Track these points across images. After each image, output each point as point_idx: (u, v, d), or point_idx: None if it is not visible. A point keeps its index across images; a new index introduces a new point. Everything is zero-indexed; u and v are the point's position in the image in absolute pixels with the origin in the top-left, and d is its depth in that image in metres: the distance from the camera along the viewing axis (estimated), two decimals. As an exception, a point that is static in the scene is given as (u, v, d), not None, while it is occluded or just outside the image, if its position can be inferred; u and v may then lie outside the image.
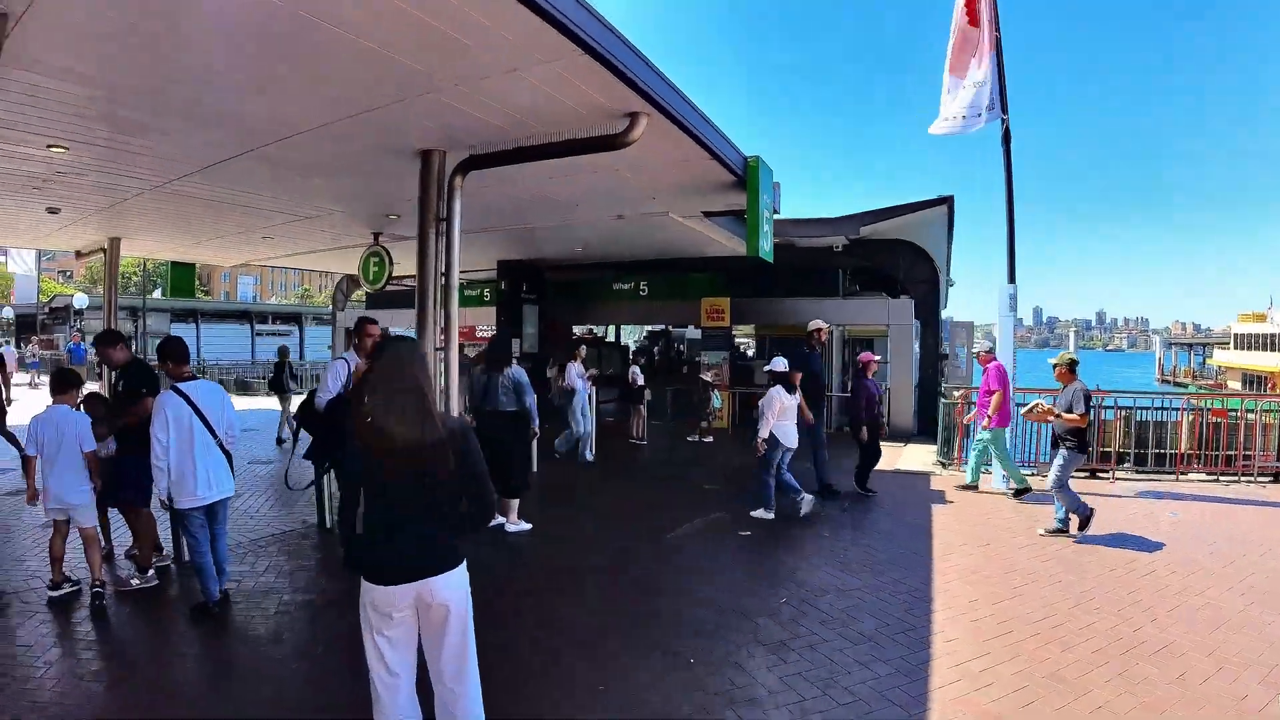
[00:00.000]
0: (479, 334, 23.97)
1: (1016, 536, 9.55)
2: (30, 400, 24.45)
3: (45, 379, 32.63)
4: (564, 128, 9.00)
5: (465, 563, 3.82)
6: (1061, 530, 9.65)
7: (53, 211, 14.52)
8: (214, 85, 7.90)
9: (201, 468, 6.47)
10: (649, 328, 32.00)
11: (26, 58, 6.95)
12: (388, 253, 15.99)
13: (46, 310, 53.55)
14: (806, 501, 10.41)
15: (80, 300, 43.37)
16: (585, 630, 6.40)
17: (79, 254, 21.31)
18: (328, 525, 9.21)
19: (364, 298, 30.68)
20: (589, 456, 14.75)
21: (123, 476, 7.32)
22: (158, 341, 7.14)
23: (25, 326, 53.18)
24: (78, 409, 7.23)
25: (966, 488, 12.40)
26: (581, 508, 10.82)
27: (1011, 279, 13.09)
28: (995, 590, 7.63)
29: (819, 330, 12.32)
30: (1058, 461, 9.72)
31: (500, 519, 9.40)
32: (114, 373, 7.80)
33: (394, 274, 16.27)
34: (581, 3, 6.57)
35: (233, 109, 8.62)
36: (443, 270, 9.94)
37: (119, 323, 20.90)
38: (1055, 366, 10.22)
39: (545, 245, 19.18)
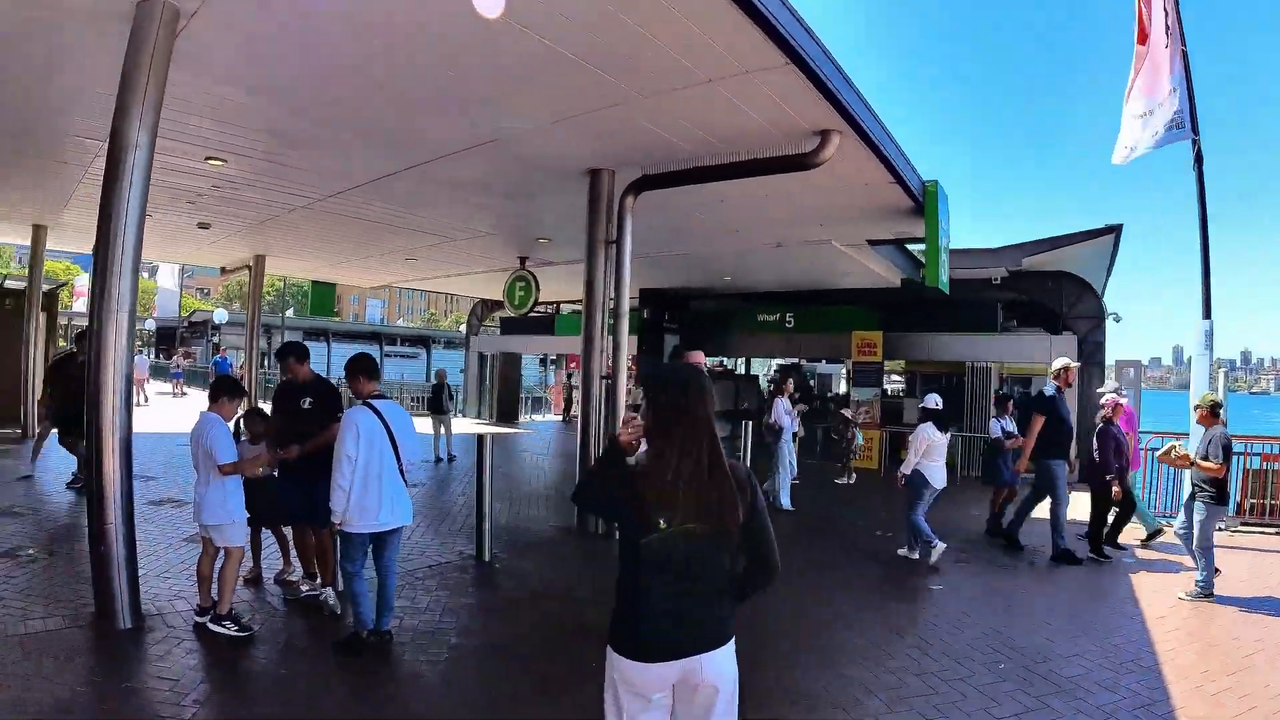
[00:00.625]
0: (614, 363, 23.50)
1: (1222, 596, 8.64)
2: (170, 409, 25.00)
3: (189, 390, 33.63)
4: (744, 146, 8.53)
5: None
6: (1206, 595, 8.56)
7: (203, 227, 14.71)
8: (395, 98, 7.66)
9: (387, 491, 6.02)
10: (779, 361, 31.25)
11: (194, 61, 6.74)
12: (534, 277, 15.66)
13: (186, 324, 55.54)
14: (938, 550, 9.57)
15: (220, 315, 44.64)
16: (798, 703, 5.74)
17: (224, 270, 21.66)
18: (486, 558, 8.75)
19: (498, 322, 30.66)
20: (785, 504, 13.34)
21: (308, 496, 6.84)
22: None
23: (164, 338, 55.57)
24: (236, 424, 6.86)
25: (1150, 538, 11.40)
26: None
27: (1207, 314, 12.07)
28: (1225, 660, 6.81)
29: (1067, 369, 10.92)
30: (1198, 518, 8.64)
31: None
32: (286, 389, 7.43)
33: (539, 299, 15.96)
34: (794, 11, 6.13)
35: (408, 123, 8.39)
36: (611, 295, 9.56)
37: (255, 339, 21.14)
38: (1196, 409, 9.30)
39: (690, 273, 18.67)
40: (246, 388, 18.06)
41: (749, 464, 16.90)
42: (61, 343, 14.58)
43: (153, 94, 6.02)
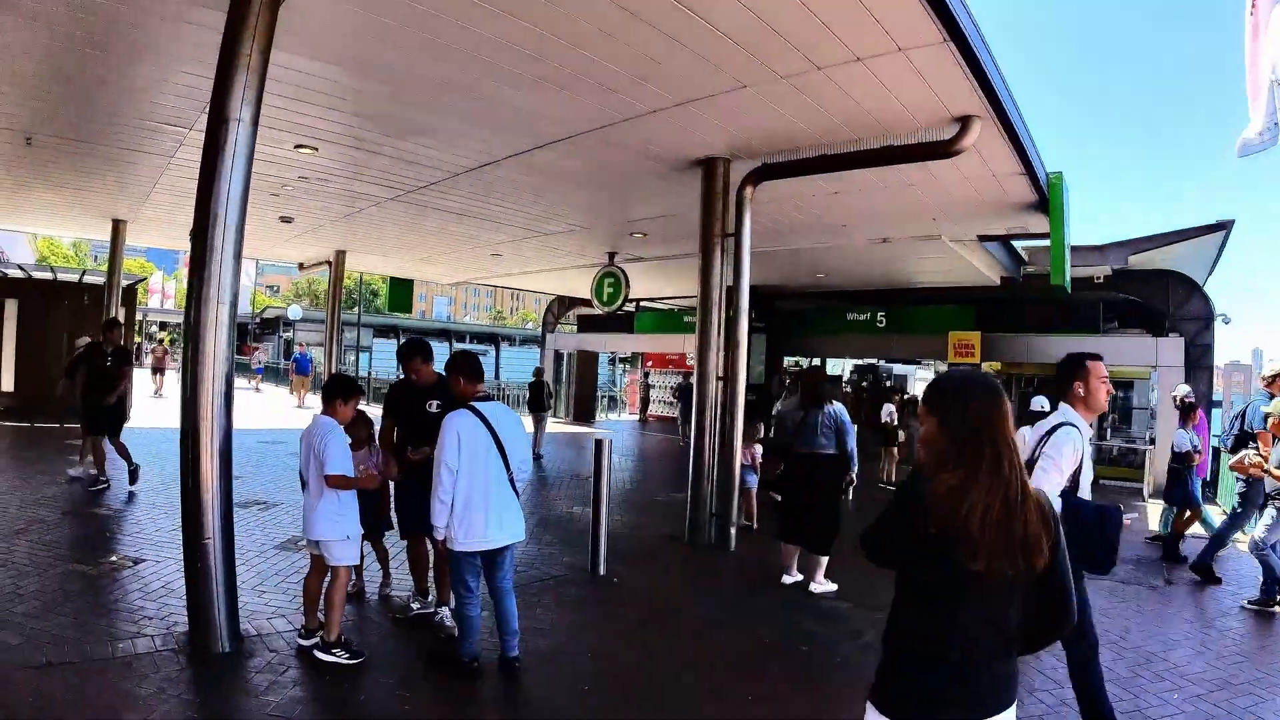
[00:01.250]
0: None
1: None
2: (248, 404, 24.83)
3: (265, 386, 33.78)
4: (874, 132, 8.01)
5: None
6: (1268, 603, 8.14)
7: (285, 220, 14.44)
8: (510, 79, 7.20)
9: (495, 504, 5.42)
10: (855, 361, 30.49)
11: (293, 37, 6.31)
12: (624, 273, 15.23)
13: (258, 321, 56.11)
14: None
15: (294, 312, 45.16)
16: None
17: (302, 266, 21.46)
18: (602, 571, 8.22)
19: (573, 320, 30.30)
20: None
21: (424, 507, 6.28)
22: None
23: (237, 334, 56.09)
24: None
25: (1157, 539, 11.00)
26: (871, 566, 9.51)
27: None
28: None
29: (1278, 376, 9.63)
30: (1265, 521, 8.19)
31: (796, 575, 8.30)
32: (406, 390, 6.84)
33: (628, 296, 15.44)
34: (956, -18, 5.64)
35: (520, 108, 7.95)
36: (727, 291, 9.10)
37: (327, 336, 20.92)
38: (1268, 416, 8.60)
39: (782, 269, 18.04)
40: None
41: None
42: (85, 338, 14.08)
43: (256, 63, 5.51)
